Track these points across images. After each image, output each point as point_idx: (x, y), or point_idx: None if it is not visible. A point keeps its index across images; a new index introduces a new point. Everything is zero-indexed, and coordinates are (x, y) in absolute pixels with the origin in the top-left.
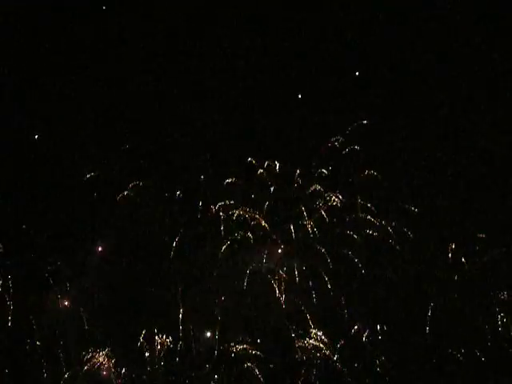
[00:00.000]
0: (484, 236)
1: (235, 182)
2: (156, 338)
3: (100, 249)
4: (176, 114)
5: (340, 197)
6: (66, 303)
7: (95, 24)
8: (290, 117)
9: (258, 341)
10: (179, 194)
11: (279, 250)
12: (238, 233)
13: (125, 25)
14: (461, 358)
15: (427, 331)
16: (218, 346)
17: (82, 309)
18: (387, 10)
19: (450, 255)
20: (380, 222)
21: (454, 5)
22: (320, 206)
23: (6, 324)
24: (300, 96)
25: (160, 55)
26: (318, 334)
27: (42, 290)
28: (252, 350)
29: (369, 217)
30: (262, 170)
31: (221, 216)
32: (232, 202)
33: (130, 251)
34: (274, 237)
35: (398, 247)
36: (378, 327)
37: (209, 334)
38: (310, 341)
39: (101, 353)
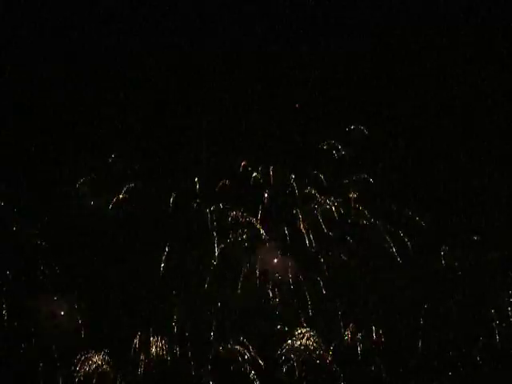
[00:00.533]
0: (479, 238)
1: (230, 186)
2: (151, 339)
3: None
4: (172, 117)
5: (333, 200)
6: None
7: None
8: (285, 121)
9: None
10: (174, 196)
11: (273, 253)
12: (232, 235)
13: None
14: (456, 361)
15: (422, 334)
16: (213, 346)
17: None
18: (384, 15)
19: (443, 260)
20: (374, 226)
21: (456, 13)
22: (315, 209)
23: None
24: (295, 99)
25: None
26: (312, 334)
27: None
28: (246, 351)
29: (364, 222)
30: (256, 174)
31: (214, 218)
32: (227, 205)
33: (124, 252)
34: (268, 239)
35: (393, 250)
36: (374, 328)
37: (203, 335)
38: (303, 341)
39: (96, 356)
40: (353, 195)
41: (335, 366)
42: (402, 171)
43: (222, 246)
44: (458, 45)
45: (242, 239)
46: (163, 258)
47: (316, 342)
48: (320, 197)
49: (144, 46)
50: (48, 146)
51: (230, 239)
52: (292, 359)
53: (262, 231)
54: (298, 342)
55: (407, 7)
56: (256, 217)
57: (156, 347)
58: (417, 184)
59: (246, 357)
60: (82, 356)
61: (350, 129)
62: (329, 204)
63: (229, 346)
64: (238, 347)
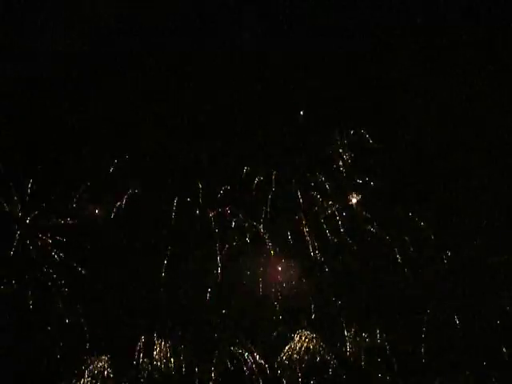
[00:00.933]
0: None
1: (232, 190)
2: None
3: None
4: (174, 118)
5: (337, 204)
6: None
7: None
8: (286, 124)
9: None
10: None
11: (276, 257)
12: (235, 239)
13: None
14: (460, 361)
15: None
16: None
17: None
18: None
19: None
20: (377, 229)
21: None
22: (318, 213)
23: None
24: (297, 101)
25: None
26: (314, 336)
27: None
28: (248, 353)
29: (369, 227)
30: (259, 178)
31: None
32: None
33: (127, 257)
34: (271, 244)
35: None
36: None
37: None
38: (305, 343)
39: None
40: (356, 197)
41: (338, 367)
42: (403, 174)
43: (225, 250)
44: (458, 45)
45: (245, 244)
46: (165, 262)
47: (319, 345)
48: (323, 201)
49: (144, 46)
50: (47, 148)
51: (232, 244)
52: (294, 362)
53: (264, 236)
54: (299, 345)
55: (407, 7)
56: (258, 222)
57: (160, 351)
58: (419, 187)
59: (249, 361)
60: (84, 359)
61: (351, 131)
62: (332, 208)
63: (232, 349)
64: (241, 350)
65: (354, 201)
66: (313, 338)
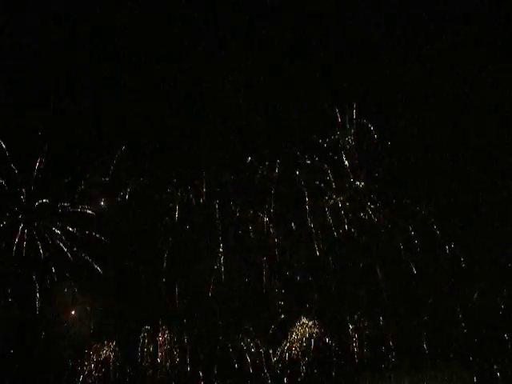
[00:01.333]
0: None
1: (237, 181)
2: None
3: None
4: (178, 114)
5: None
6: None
7: None
8: (291, 114)
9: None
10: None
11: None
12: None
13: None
14: (461, 346)
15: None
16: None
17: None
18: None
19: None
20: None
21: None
22: (323, 204)
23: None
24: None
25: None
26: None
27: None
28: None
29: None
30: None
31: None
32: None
33: (131, 244)
34: (276, 233)
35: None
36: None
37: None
38: (308, 330)
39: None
40: (359, 186)
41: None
42: (410, 169)
43: (229, 239)
44: (458, 45)
45: (249, 233)
46: (167, 252)
47: (321, 331)
48: (327, 191)
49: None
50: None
51: (236, 233)
52: (297, 349)
53: (269, 225)
54: (301, 333)
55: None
56: (263, 212)
57: (164, 339)
58: (421, 178)
59: (252, 348)
60: (90, 346)
61: (356, 122)
62: (335, 199)
63: (236, 336)
64: (243, 336)
65: (358, 189)
66: (315, 326)
